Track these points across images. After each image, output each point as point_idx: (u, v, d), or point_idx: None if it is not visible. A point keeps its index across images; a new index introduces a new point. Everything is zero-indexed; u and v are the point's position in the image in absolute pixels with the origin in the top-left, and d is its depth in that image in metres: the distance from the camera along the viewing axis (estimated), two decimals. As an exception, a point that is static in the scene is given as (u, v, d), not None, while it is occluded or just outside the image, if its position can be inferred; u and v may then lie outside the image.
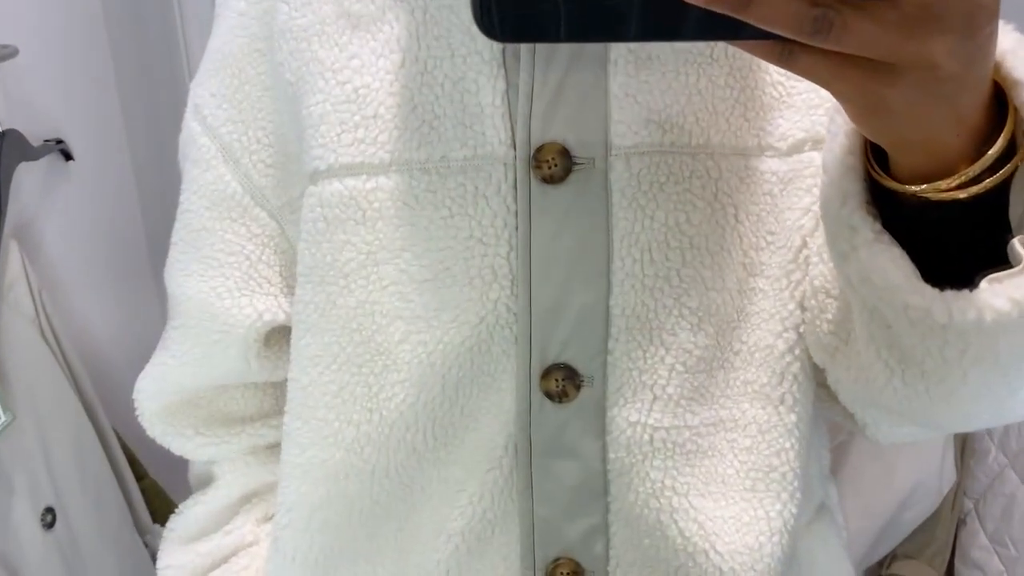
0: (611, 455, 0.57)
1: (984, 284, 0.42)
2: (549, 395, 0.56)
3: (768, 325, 0.56)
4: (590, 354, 0.56)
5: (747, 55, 0.49)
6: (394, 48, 0.56)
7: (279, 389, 0.71)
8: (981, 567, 1.46)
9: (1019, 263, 0.42)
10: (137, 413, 0.73)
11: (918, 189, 0.42)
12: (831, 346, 0.55)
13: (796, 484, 0.58)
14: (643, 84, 0.53)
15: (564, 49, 0.53)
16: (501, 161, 0.54)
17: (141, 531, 1.35)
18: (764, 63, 0.48)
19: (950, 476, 1.46)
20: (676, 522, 0.58)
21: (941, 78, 0.36)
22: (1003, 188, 0.42)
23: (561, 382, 0.56)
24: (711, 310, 0.56)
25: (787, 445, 0.57)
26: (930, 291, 0.43)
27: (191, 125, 0.65)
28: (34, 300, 1.18)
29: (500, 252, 0.55)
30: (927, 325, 0.44)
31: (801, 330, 0.56)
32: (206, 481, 0.74)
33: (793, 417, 0.57)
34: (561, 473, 0.57)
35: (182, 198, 0.67)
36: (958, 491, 1.49)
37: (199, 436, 0.71)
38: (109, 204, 1.52)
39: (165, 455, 0.76)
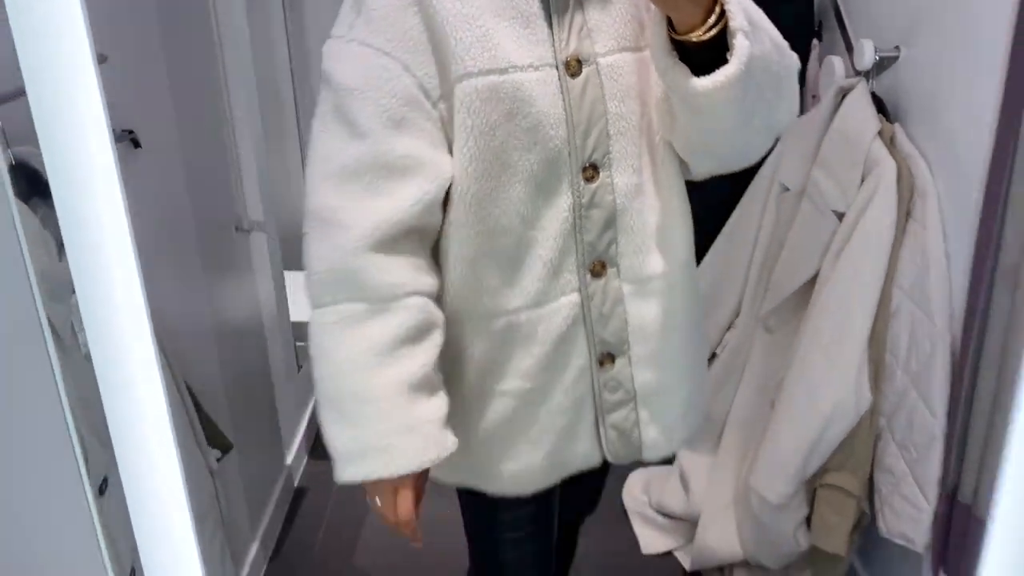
0: (618, 201, 1.11)
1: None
2: (587, 179, 1.09)
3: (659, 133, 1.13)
4: (603, 153, 1.08)
5: None
6: (488, 8, 1.01)
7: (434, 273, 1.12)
8: (891, 470, 1.65)
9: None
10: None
11: (688, 36, 0.93)
12: (668, 124, 1.10)
13: (683, 193, 1.18)
14: (603, 19, 1.05)
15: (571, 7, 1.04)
16: (552, 66, 1.03)
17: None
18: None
19: (865, 398, 1.65)
20: (652, 214, 1.14)
21: None
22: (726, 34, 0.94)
23: (591, 171, 1.08)
24: (652, 132, 1.11)
25: (675, 179, 1.16)
26: (695, 78, 0.95)
27: (378, 61, 1.01)
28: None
29: (557, 109, 1.04)
30: (692, 94, 0.96)
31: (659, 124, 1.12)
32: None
33: (671, 168, 1.15)
34: (595, 215, 1.11)
35: (382, 102, 1.01)
36: (874, 412, 1.67)
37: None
38: (165, 189, 1.68)
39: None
